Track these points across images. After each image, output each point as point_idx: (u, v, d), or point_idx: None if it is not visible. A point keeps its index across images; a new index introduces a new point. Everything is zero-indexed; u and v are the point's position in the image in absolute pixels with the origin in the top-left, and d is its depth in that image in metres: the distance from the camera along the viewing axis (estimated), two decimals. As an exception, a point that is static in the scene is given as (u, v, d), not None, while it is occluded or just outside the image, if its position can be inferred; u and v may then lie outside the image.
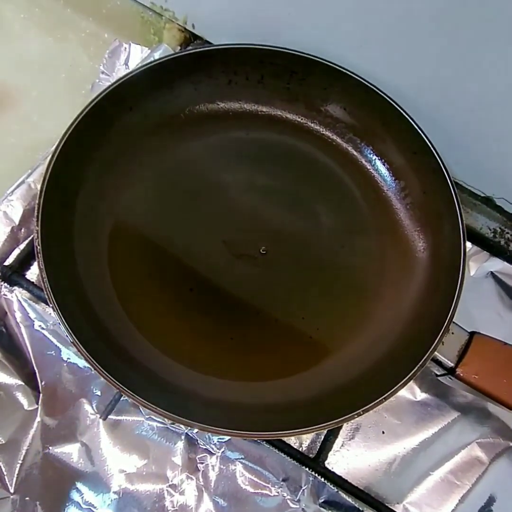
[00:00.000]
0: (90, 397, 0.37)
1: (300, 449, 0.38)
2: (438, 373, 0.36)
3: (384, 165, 0.43)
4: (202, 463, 0.36)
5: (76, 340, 0.31)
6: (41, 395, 0.37)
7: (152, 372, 0.35)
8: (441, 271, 0.38)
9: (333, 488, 0.36)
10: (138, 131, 0.42)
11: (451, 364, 0.34)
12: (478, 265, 0.45)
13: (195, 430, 0.37)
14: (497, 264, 0.45)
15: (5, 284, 0.38)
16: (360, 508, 0.35)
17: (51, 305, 0.32)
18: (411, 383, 0.33)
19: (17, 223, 0.40)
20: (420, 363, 0.33)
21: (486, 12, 0.32)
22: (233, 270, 0.40)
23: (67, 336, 0.31)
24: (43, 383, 0.37)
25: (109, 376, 0.30)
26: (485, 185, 0.44)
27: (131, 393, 0.30)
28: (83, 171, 0.39)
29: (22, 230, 0.40)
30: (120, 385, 0.30)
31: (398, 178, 0.42)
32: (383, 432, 0.39)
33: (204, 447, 0.37)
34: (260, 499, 0.36)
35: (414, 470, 0.39)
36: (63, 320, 0.31)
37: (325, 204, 0.42)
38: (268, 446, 0.36)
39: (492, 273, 0.44)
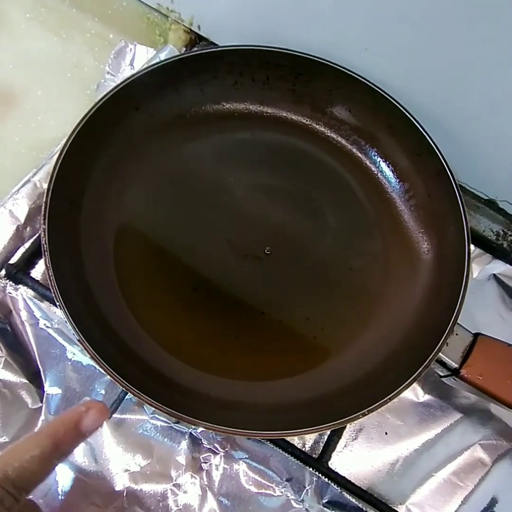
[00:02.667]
0: (94, 395, 0.37)
1: (304, 449, 0.38)
2: (442, 374, 0.36)
3: (388, 167, 0.43)
4: (206, 462, 0.37)
5: (82, 337, 0.31)
6: (45, 393, 0.37)
7: (157, 371, 0.35)
8: (445, 272, 0.38)
9: (336, 488, 0.36)
10: (144, 131, 0.42)
11: (455, 365, 0.34)
12: (480, 268, 0.45)
13: (199, 430, 0.37)
14: (499, 267, 0.45)
15: (10, 282, 0.38)
16: (364, 509, 0.35)
17: (57, 303, 0.32)
18: (414, 384, 0.33)
19: (22, 221, 0.40)
20: (425, 364, 0.33)
21: (492, 15, 0.32)
22: (238, 270, 0.40)
23: (73, 333, 0.31)
24: (47, 381, 0.37)
25: (114, 374, 0.30)
26: (489, 188, 0.45)
27: (137, 391, 0.30)
28: (90, 171, 0.39)
29: (28, 229, 0.40)
30: (126, 383, 0.30)
31: (403, 180, 0.42)
32: (386, 433, 0.39)
33: (208, 446, 0.37)
34: (264, 499, 0.36)
35: (416, 471, 0.39)
36: (70, 318, 0.31)
37: (330, 205, 0.43)
38: (272, 446, 0.36)
39: (494, 275, 0.44)
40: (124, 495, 0.35)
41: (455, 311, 0.34)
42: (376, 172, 0.44)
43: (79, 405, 0.23)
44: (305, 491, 0.36)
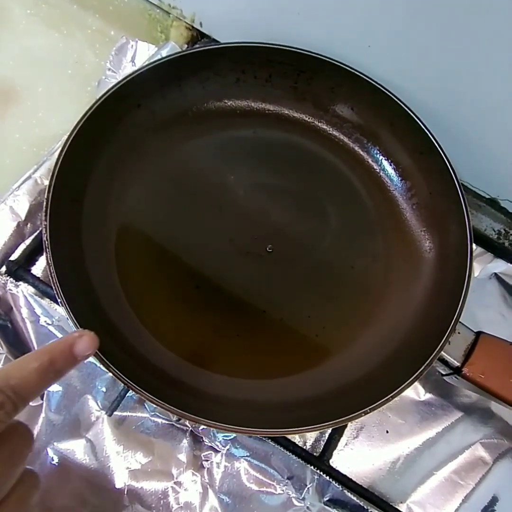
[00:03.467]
0: (95, 393, 0.37)
1: (305, 447, 0.38)
2: (444, 373, 0.36)
3: (390, 165, 0.43)
4: (207, 460, 0.36)
5: (84, 335, 0.31)
6: (46, 390, 0.37)
7: (158, 368, 0.35)
8: (447, 271, 0.38)
9: (337, 486, 0.36)
10: (146, 128, 0.42)
11: (457, 364, 0.34)
12: (482, 266, 0.45)
13: (200, 427, 0.37)
14: (501, 266, 0.45)
15: (11, 279, 0.38)
16: (365, 507, 0.35)
17: (59, 300, 0.31)
18: (416, 383, 0.33)
19: (23, 218, 0.40)
20: (427, 362, 0.33)
21: (497, 13, 0.32)
22: (239, 268, 0.40)
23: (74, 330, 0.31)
24: (48, 378, 0.37)
25: (116, 371, 0.30)
26: (490, 187, 0.45)
27: (138, 388, 0.30)
28: (91, 167, 0.39)
29: (28, 225, 0.40)
30: (127, 380, 0.30)
31: (405, 178, 0.42)
32: (387, 432, 0.39)
33: (209, 444, 0.37)
34: (265, 497, 0.36)
35: (417, 469, 0.39)
36: (71, 315, 0.31)
37: (332, 204, 0.43)
38: (273, 444, 0.36)
39: (496, 274, 0.44)
40: (125, 492, 0.35)
41: (457, 310, 0.34)
42: (378, 170, 0.43)
43: (73, 332, 0.26)
44: (306, 489, 0.36)
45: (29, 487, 0.25)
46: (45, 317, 0.38)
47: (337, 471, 0.37)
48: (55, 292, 0.32)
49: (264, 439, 0.36)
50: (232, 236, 0.41)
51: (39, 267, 0.40)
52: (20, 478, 0.24)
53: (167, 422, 0.37)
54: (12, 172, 0.42)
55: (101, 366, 0.30)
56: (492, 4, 0.32)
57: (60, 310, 0.37)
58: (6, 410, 0.22)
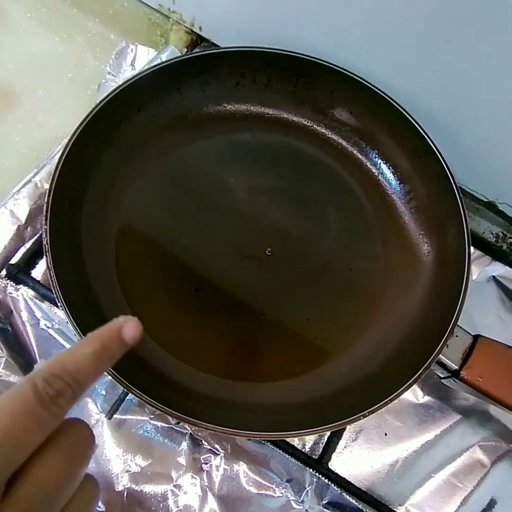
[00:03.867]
0: (95, 396, 0.37)
1: (304, 450, 0.38)
2: (442, 376, 0.36)
3: (389, 169, 0.43)
4: (207, 463, 0.37)
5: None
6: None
7: (157, 371, 0.35)
8: (445, 274, 0.38)
9: (336, 489, 0.36)
10: (146, 131, 0.42)
11: (456, 367, 0.34)
12: (480, 270, 0.45)
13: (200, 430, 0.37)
14: (499, 269, 0.45)
15: (11, 282, 0.38)
16: (363, 510, 0.35)
17: (59, 304, 0.32)
18: (414, 386, 0.34)
19: (23, 221, 0.40)
20: (425, 365, 0.33)
21: (494, 19, 0.32)
22: (239, 271, 0.40)
23: (74, 334, 0.31)
24: (48, 382, 0.37)
25: (116, 374, 0.30)
26: (488, 190, 0.45)
27: (138, 391, 0.30)
28: (91, 171, 0.39)
29: (28, 229, 0.40)
30: (127, 383, 0.30)
31: (403, 182, 0.43)
32: (385, 434, 0.40)
33: (209, 447, 0.37)
34: (264, 499, 0.36)
35: (416, 472, 0.39)
36: (71, 319, 0.31)
37: (330, 207, 0.43)
38: (272, 447, 0.36)
39: (494, 277, 0.45)
40: (125, 495, 0.35)
41: (456, 313, 0.34)
42: (376, 174, 0.44)
43: (117, 318, 0.25)
44: (305, 492, 0.36)
45: (89, 496, 0.22)
46: (45, 321, 0.38)
47: (336, 474, 0.37)
48: (55, 295, 0.32)
49: (263, 442, 0.37)
50: (231, 239, 0.41)
51: (39, 271, 0.40)
52: (80, 485, 0.22)
53: (166, 425, 0.37)
54: (12, 176, 0.42)
55: (101, 369, 0.31)
56: (490, 8, 0.32)
57: (60, 313, 0.37)
58: (66, 397, 0.21)
